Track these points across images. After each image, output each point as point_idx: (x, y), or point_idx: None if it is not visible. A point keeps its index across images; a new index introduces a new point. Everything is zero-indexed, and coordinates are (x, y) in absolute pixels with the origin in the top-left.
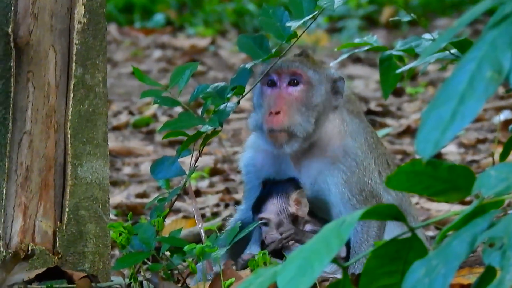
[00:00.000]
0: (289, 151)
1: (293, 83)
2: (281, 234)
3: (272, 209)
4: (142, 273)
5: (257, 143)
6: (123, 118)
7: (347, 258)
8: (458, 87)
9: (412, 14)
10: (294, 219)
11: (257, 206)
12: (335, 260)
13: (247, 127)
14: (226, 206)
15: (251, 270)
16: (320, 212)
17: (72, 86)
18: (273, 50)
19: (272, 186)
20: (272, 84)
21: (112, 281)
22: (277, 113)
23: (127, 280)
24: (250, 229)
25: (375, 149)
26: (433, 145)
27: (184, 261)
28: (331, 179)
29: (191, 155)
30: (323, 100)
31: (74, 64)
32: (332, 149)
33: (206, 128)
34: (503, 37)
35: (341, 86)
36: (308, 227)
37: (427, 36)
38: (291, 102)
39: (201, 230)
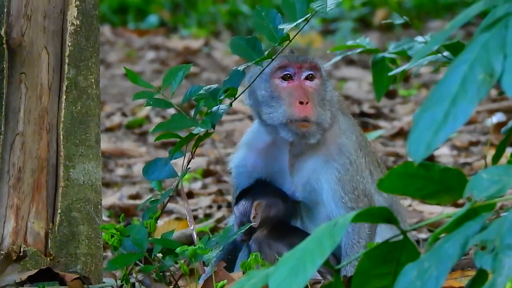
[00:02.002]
0: (314, 141)
1: (309, 77)
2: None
3: (240, 208)
4: (134, 275)
5: (252, 141)
6: (116, 119)
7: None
8: (450, 89)
9: (404, 17)
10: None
11: (237, 198)
12: (327, 262)
13: (266, 121)
14: (219, 207)
15: (243, 272)
16: (308, 214)
17: (64, 88)
18: (266, 52)
19: (254, 187)
20: (289, 78)
21: (104, 282)
22: (307, 103)
23: (119, 282)
24: (242, 230)
25: (365, 147)
26: (425, 147)
27: (176, 262)
28: (324, 177)
29: (183, 156)
30: (332, 96)
31: (66, 65)
32: (326, 147)
33: (199, 130)
34: (495, 40)
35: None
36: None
37: (419, 38)
38: (314, 94)
39: (193, 231)
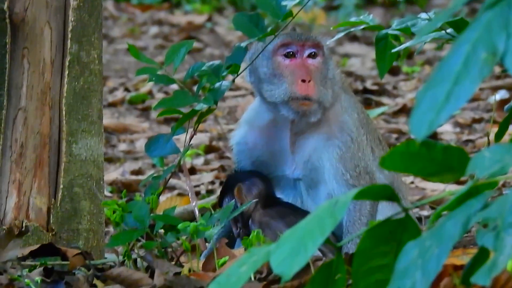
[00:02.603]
0: (315, 120)
1: (312, 55)
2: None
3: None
4: (136, 251)
5: (253, 119)
6: (119, 94)
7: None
8: (453, 68)
9: None
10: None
11: (219, 202)
12: (328, 240)
13: (266, 98)
14: (221, 183)
15: (245, 249)
16: (309, 193)
17: (67, 63)
18: (269, 29)
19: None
20: (291, 56)
21: (106, 258)
22: (309, 81)
23: (120, 258)
24: (243, 207)
25: (367, 124)
26: (428, 126)
27: (178, 239)
28: (326, 155)
29: (186, 133)
30: (334, 74)
31: (69, 41)
32: (328, 125)
33: (201, 106)
34: (498, 19)
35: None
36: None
37: (423, 15)
38: (316, 72)
39: (195, 208)
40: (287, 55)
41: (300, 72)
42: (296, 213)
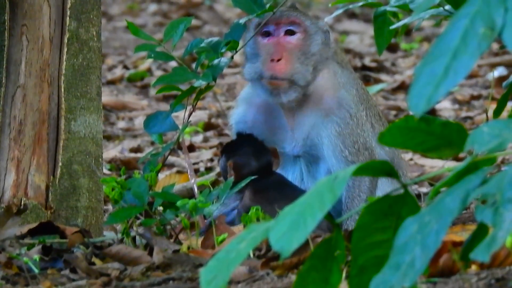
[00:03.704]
0: (285, 100)
1: (290, 32)
2: None
3: (221, 163)
4: (134, 228)
5: (250, 97)
6: (118, 72)
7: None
8: (451, 43)
9: None
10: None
11: (221, 151)
12: (327, 216)
13: (243, 78)
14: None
15: (244, 226)
16: (309, 169)
17: (66, 40)
18: (268, 5)
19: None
20: (268, 34)
21: (104, 236)
22: (278, 60)
23: (119, 235)
24: (242, 184)
25: (366, 100)
26: (426, 101)
27: (177, 216)
28: (325, 132)
29: (184, 109)
30: (319, 50)
31: (68, 18)
32: (326, 101)
33: (200, 83)
34: None
35: (328, 38)
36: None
37: None
38: (291, 50)
39: (194, 185)
40: (265, 34)
41: (271, 51)
42: (286, 199)
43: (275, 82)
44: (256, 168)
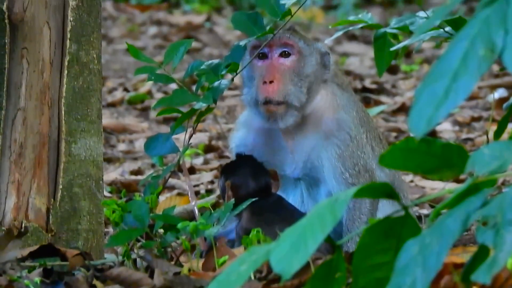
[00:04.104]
0: (283, 126)
1: (284, 54)
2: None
3: (220, 183)
4: (135, 251)
5: (250, 120)
6: (118, 94)
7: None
8: (451, 65)
9: None
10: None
11: (220, 172)
12: (328, 238)
13: (242, 103)
14: None
15: (245, 248)
16: (310, 192)
17: (66, 63)
18: (267, 27)
19: (234, 162)
20: (263, 57)
21: (105, 258)
22: (271, 82)
23: (120, 258)
24: (243, 206)
25: (366, 122)
26: (426, 122)
27: (178, 238)
28: (325, 154)
29: (185, 132)
30: (314, 71)
31: (68, 40)
32: (325, 123)
33: (200, 105)
34: (496, 15)
35: (327, 60)
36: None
37: (421, 14)
38: (284, 72)
39: (195, 207)
40: (259, 57)
41: (264, 73)
42: (283, 221)
43: (271, 108)
44: (253, 189)
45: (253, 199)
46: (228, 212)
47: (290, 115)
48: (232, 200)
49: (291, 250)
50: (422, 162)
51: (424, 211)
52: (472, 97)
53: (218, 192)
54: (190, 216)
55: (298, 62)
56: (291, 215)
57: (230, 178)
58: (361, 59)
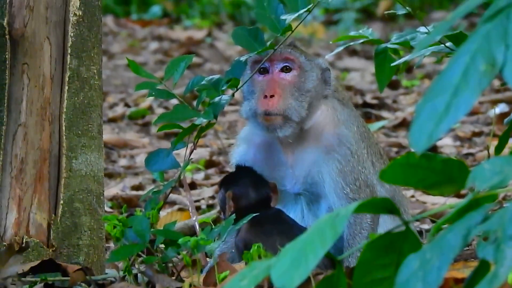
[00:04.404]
0: (281, 135)
1: (285, 69)
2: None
3: (219, 195)
4: (136, 266)
5: (250, 135)
6: (119, 110)
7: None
8: (452, 80)
9: (407, 7)
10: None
11: (219, 184)
12: (329, 253)
13: (240, 116)
14: None
15: (246, 263)
16: (310, 207)
17: (67, 78)
18: (268, 43)
19: (234, 174)
20: (264, 71)
21: (106, 273)
22: (272, 96)
23: (121, 273)
24: (243, 222)
25: (367, 138)
26: (427, 137)
27: (179, 253)
28: (326, 169)
29: (186, 147)
30: (315, 86)
31: (69, 56)
32: (326, 138)
33: (201, 120)
34: (497, 31)
35: (328, 76)
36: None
37: (422, 29)
38: (285, 86)
39: (196, 222)
40: (260, 71)
41: (265, 87)
42: (283, 233)
43: (268, 118)
44: (254, 200)
45: (255, 214)
46: (229, 227)
47: (289, 126)
48: (233, 216)
49: (292, 265)
50: (422, 177)
51: (425, 226)
52: (473, 112)
53: (219, 207)
54: (191, 231)
55: (299, 77)
56: (291, 228)
57: (231, 189)
58: (362, 74)
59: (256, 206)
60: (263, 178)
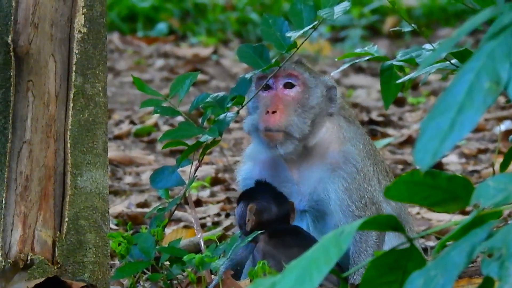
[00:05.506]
0: (282, 152)
1: (288, 85)
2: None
3: (238, 210)
4: (141, 283)
5: (255, 153)
6: (125, 127)
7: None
8: (456, 98)
9: (413, 25)
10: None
11: (237, 199)
12: (333, 271)
13: (243, 130)
14: (227, 215)
15: (251, 280)
16: (316, 225)
17: (72, 96)
18: (273, 60)
19: (254, 189)
20: (268, 87)
21: None
22: (274, 112)
23: None
24: (249, 239)
25: (373, 155)
26: (432, 155)
27: (184, 271)
28: (331, 187)
29: (191, 164)
30: (319, 103)
31: (74, 73)
32: (332, 155)
33: (206, 137)
34: (501, 48)
35: (334, 94)
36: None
37: (428, 46)
38: (288, 102)
39: (201, 240)
40: (264, 87)
41: (268, 103)
42: (301, 246)
43: (269, 134)
44: (275, 215)
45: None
46: (235, 244)
47: (291, 143)
48: (238, 232)
49: (297, 282)
50: (427, 195)
51: (431, 243)
52: (478, 129)
53: (225, 224)
54: (196, 249)
55: (303, 94)
56: (309, 241)
57: (252, 202)
58: (368, 91)
59: (277, 222)
60: (283, 194)
